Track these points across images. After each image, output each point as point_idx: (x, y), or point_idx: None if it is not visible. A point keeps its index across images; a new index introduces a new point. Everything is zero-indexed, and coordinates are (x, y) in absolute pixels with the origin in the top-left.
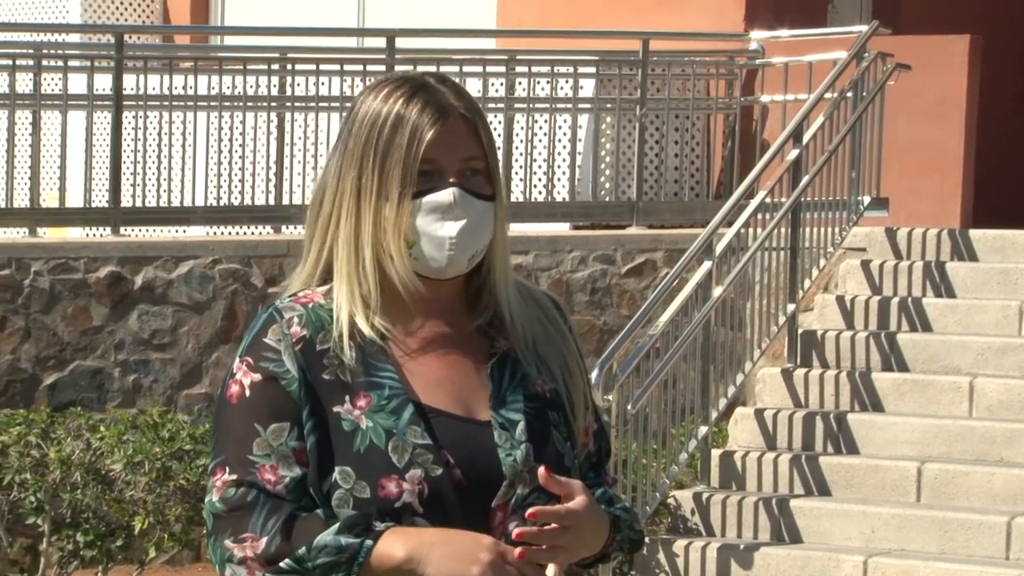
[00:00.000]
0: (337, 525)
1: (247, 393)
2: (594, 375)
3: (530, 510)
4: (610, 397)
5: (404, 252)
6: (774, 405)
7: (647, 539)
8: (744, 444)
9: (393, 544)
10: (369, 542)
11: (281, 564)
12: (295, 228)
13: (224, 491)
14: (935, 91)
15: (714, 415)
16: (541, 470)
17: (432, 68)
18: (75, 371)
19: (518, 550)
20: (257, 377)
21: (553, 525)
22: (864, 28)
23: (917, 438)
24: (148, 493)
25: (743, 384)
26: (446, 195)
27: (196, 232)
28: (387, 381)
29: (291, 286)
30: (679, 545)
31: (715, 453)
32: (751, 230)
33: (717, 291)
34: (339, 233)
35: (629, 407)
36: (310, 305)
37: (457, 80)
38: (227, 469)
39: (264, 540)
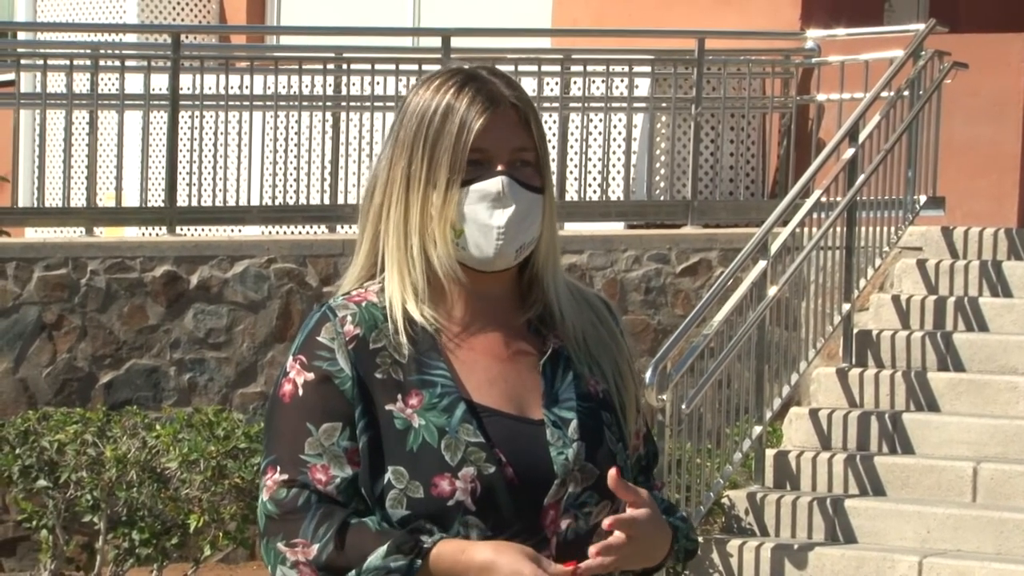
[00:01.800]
0: (387, 546)
1: (300, 392)
2: (648, 375)
3: (607, 521)
4: (664, 397)
5: (450, 240)
6: (829, 405)
7: (700, 539)
8: (799, 444)
9: (442, 566)
10: (419, 562)
11: None
12: (350, 228)
13: (275, 491)
14: (992, 90)
15: (768, 415)
16: (612, 472)
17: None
18: (131, 370)
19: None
20: (310, 376)
21: (618, 534)
22: (921, 27)
23: (973, 438)
24: (203, 491)
25: (798, 384)
26: (495, 183)
27: (251, 232)
28: (439, 379)
29: (345, 283)
30: (733, 545)
31: (769, 453)
32: (806, 229)
33: (772, 290)
34: (389, 222)
35: (683, 407)
36: (363, 304)
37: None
38: (278, 468)
39: (316, 548)
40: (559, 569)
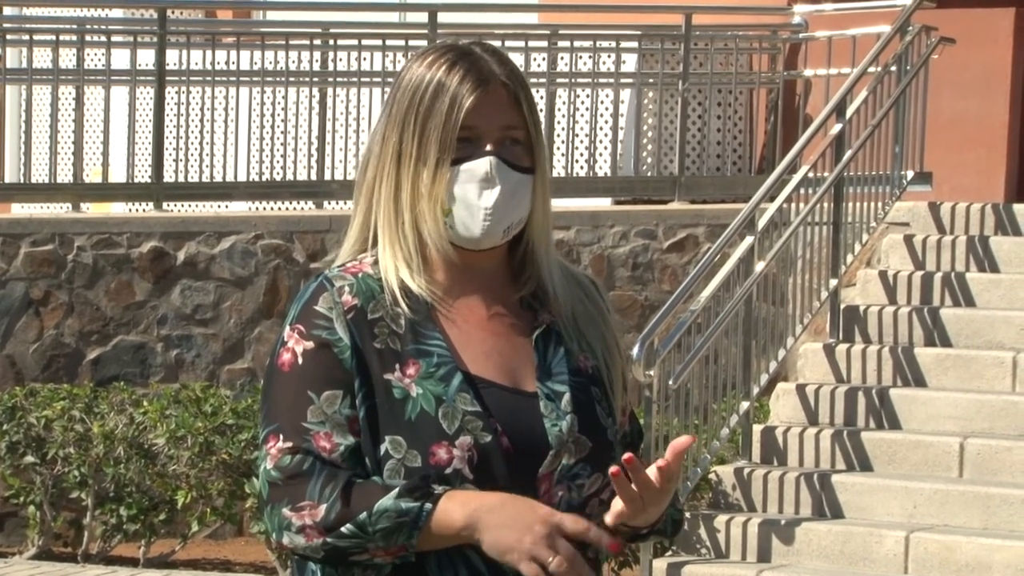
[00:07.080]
0: (397, 490)
1: (300, 360)
2: (635, 351)
3: (627, 456)
4: (652, 372)
5: (440, 218)
6: (816, 380)
7: (688, 515)
8: (786, 419)
9: (452, 510)
10: (429, 505)
11: (342, 529)
12: (337, 204)
13: (279, 459)
14: (980, 65)
15: (756, 390)
16: (613, 469)
17: None
18: (118, 346)
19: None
20: (310, 344)
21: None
22: (908, 1)
23: (960, 413)
24: (190, 467)
25: (785, 359)
26: (483, 164)
27: (238, 208)
28: (435, 349)
29: (340, 256)
30: (720, 520)
31: (757, 428)
32: (794, 205)
33: (759, 266)
34: (380, 196)
35: (671, 382)
36: (359, 275)
37: None
38: (281, 436)
39: (323, 508)
40: (571, 520)
